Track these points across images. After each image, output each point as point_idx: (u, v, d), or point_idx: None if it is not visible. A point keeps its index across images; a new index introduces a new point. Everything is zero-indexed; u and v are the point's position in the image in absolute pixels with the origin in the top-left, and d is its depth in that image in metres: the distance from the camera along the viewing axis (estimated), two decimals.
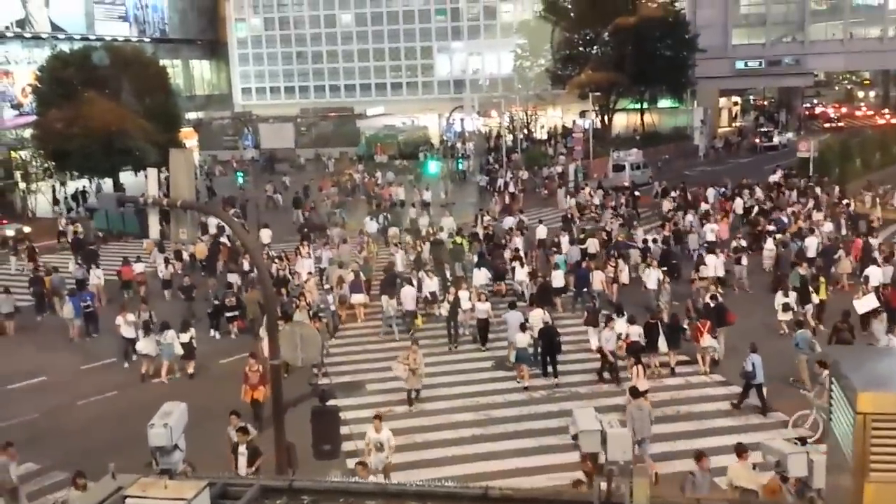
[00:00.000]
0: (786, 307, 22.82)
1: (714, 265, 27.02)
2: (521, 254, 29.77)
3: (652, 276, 25.98)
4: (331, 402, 12.23)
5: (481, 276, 27.21)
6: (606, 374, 21.03)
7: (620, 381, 20.37)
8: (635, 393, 16.75)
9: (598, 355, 21.39)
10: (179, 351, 22.48)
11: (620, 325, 21.21)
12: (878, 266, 25.71)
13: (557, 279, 26.91)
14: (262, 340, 21.14)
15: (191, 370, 22.80)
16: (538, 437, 18.04)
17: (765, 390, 18.65)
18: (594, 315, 23.16)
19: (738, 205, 37.90)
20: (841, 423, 5.79)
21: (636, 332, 20.85)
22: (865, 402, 5.39)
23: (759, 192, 40.41)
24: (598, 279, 26.55)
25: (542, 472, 16.44)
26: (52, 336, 26.91)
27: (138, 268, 30.53)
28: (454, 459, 17.25)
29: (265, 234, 36.09)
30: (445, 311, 24.34)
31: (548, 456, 17.09)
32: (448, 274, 29.08)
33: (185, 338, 22.53)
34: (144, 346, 22.52)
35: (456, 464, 17.02)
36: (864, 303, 22.20)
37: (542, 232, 33.72)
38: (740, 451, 13.48)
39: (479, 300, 24.19)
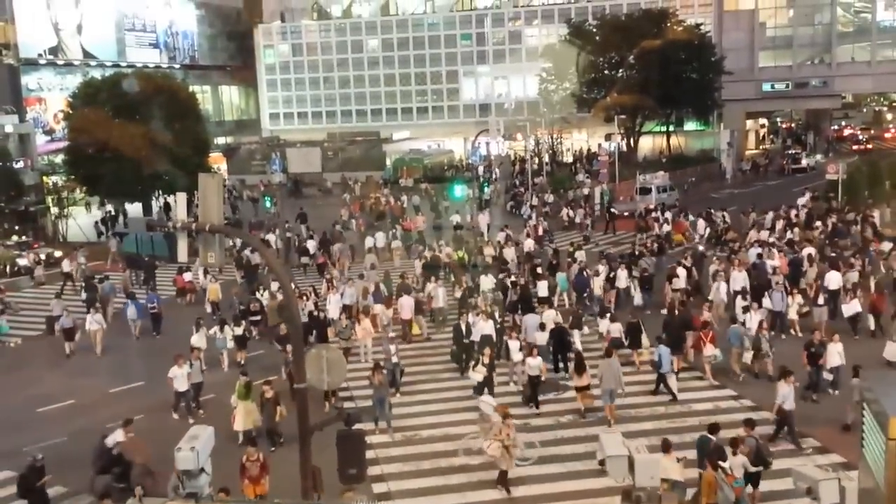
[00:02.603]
0: (745, 309, 24.26)
1: (684, 277, 28.78)
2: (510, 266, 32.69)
3: None
4: (356, 426, 12.23)
5: (488, 281, 29.67)
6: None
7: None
8: (609, 352, 20.43)
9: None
10: (231, 345, 25.07)
11: (604, 324, 24.14)
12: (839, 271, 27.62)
13: (542, 289, 28.83)
14: (234, 408, 19.77)
15: (242, 359, 24.93)
16: (564, 463, 17.89)
17: (672, 380, 21.03)
18: (578, 318, 25.06)
19: (701, 226, 39.60)
20: (873, 448, 5.69)
21: (616, 329, 23.52)
22: None
23: (726, 215, 41.60)
24: (597, 285, 28.80)
25: (569, 499, 16.31)
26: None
27: (188, 276, 33.75)
28: (479, 485, 17.12)
29: (311, 245, 39.47)
30: (481, 376, 20.76)
31: (574, 482, 16.94)
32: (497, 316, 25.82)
33: (238, 330, 25.34)
34: (196, 340, 24.39)
35: (481, 489, 16.91)
36: (850, 307, 24.85)
37: (528, 245, 36.68)
38: (666, 446, 14.79)
39: (532, 355, 21.13)
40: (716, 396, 21.19)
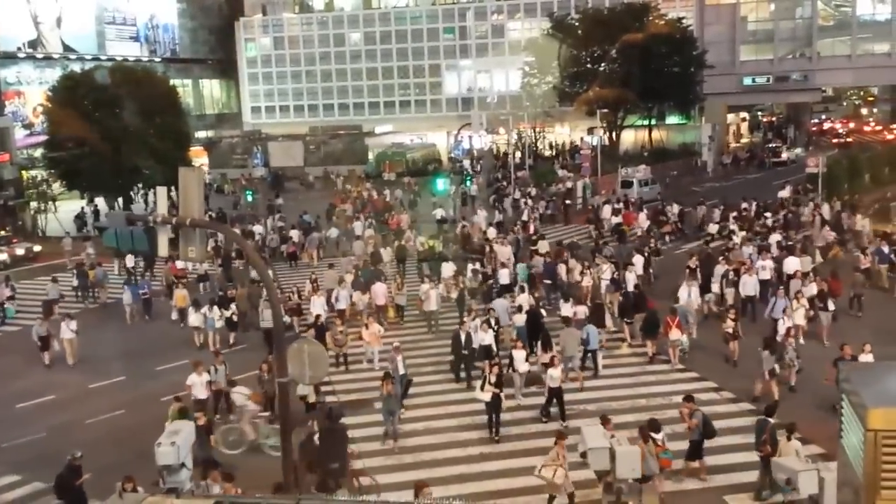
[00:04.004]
0: (718, 297, 26.75)
1: (640, 264, 29.96)
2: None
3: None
4: (339, 421, 12.21)
5: (448, 268, 30.76)
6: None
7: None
8: (567, 322, 22.89)
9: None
10: (220, 324, 26.54)
11: (566, 308, 24.92)
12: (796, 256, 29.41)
13: (503, 277, 29.59)
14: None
15: (232, 340, 26.78)
16: (547, 455, 17.90)
17: (600, 357, 22.52)
18: (536, 302, 26.23)
19: (642, 218, 40.66)
20: (851, 439, 5.72)
21: (583, 312, 24.64)
22: (876, 418, 5.33)
23: (675, 208, 42.55)
24: (562, 271, 29.87)
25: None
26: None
27: (180, 264, 33.67)
28: (462, 478, 17.15)
29: (294, 234, 40.60)
30: (489, 395, 18.89)
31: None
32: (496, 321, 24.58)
33: (227, 313, 26.83)
34: (194, 319, 26.70)
35: (464, 482, 16.93)
36: (808, 290, 25.73)
37: (491, 233, 37.84)
38: (605, 420, 15.95)
39: (553, 364, 19.94)
40: (696, 388, 21.23)
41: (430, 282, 28.30)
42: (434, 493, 16.42)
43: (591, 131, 68.41)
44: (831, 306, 24.64)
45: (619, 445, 14.68)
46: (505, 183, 58.05)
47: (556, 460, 15.28)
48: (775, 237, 32.97)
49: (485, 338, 22.67)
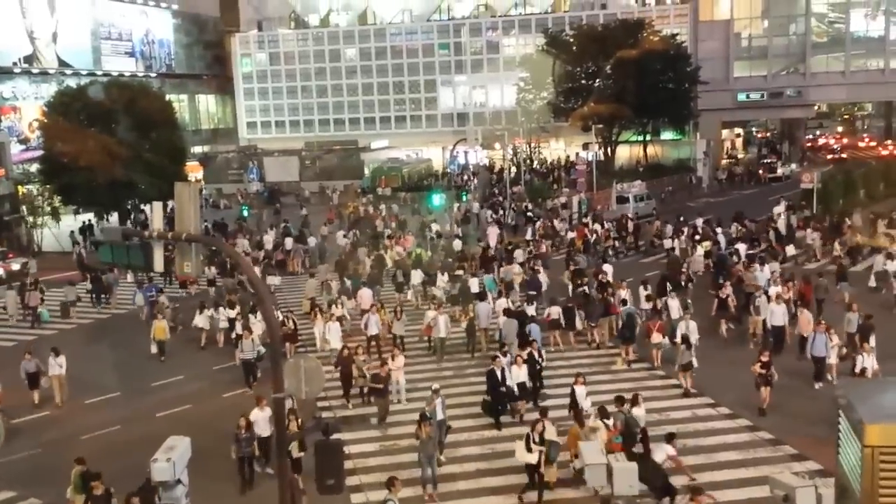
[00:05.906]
0: (648, 297, 27.40)
1: (610, 272, 31.17)
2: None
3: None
4: (335, 436, 12.17)
5: (417, 276, 32.62)
6: None
7: None
8: (509, 314, 24.81)
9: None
10: (226, 325, 27.93)
11: (530, 310, 26.00)
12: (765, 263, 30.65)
13: (474, 286, 30.39)
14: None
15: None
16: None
17: (542, 353, 22.67)
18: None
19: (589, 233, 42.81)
20: (849, 455, 5.72)
21: (556, 311, 26.11)
22: (874, 434, 5.33)
23: (630, 224, 44.10)
24: (542, 280, 31.19)
25: None
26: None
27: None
28: (460, 494, 17.09)
29: (288, 242, 42.12)
30: (534, 458, 16.23)
31: (553, 491, 16.92)
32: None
33: (232, 314, 28.00)
34: (199, 321, 28.34)
35: (462, 498, 16.87)
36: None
37: (457, 245, 39.52)
38: (543, 411, 17.31)
39: (637, 403, 17.85)
40: (693, 404, 21.28)
41: (434, 306, 26.83)
42: None
43: (586, 147, 68.56)
44: (873, 341, 21.58)
45: (616, 462, 14.66)
46: (501, 198, 58.12)
47: None
48: (741, 246, 34.71)
49: (519, 374, 20.56)
